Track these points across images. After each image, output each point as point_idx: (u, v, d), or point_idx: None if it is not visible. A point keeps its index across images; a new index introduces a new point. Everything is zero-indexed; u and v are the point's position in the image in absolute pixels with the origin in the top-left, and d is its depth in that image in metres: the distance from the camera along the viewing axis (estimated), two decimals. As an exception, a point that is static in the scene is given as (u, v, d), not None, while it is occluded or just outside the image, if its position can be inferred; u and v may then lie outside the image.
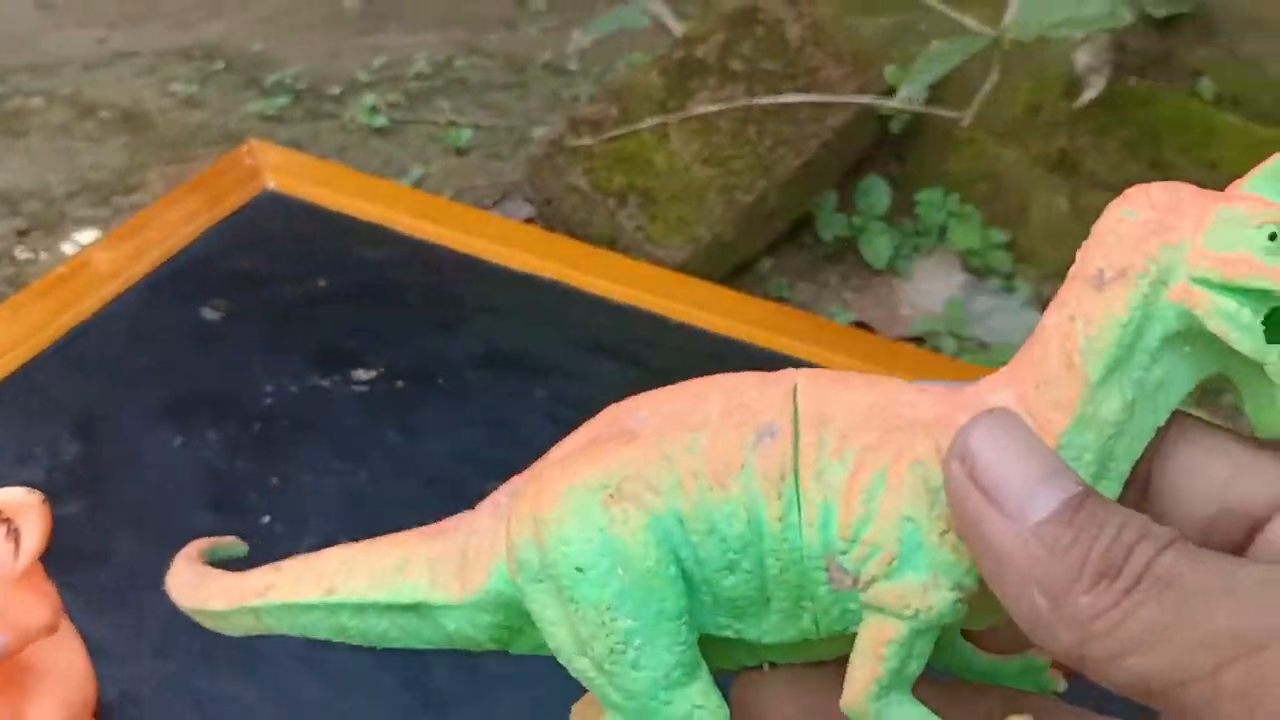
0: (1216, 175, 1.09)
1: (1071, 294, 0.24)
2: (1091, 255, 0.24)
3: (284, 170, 0.97)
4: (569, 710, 0.31)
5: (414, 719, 0.57)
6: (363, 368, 0.77)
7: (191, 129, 1.43)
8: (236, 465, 0.69)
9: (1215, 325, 0.23)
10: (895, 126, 1.15)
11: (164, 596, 0.64)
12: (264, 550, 0.67)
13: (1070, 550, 0.21)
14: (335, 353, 0.78)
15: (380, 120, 1.44)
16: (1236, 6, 1.05)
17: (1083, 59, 0.94)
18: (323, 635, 0.31)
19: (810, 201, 1.19)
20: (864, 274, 1.21)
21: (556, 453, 0.28)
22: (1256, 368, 0.23)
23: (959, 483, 0.23)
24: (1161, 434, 0.25)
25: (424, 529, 0.31)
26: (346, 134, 1.43)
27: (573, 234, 1.08)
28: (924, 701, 0.26)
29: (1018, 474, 0.22)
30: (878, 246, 1.17)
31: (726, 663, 0.28)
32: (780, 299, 1.16)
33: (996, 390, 0.25)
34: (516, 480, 0.29)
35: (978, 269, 1.20)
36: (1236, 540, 0.25)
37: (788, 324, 0.88)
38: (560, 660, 0.27)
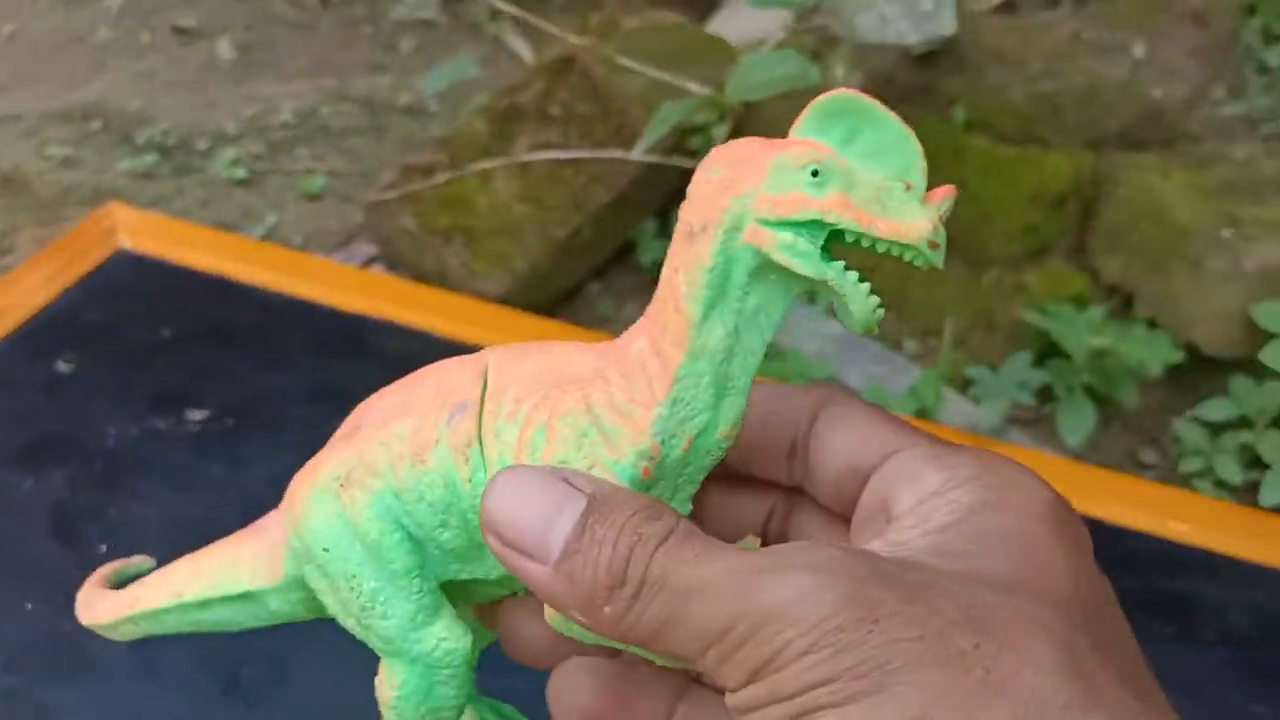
0: (966, 192, 1.21)
1: (676, 248, 0.27)
2: (685, 214, 0.27)
3: (138, 230, 1.03)
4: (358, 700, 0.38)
5: (228, 713, 0.65)
6: (196, 408, 0.83)
7: (65, 190, 1.48)
8: (79, 501, 0.76)
9: (779, 257, 0.26)
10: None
11: (9, 618, 0.74)
12: (102, 574, 0.75)
13: (584, 574, 0.25)
14: (172, 396, 0.84)
15: (240, 172, 1.50)
16: (982, 41, 1.17)
17: (844, 97, 1.04)
18: (186, 629, 0.36)
19: (632, 229, 1.28)
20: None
21: (322, 450, 0.33)
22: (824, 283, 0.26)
23: (495, 549, 0.26)
24: (811, 412, 0.29)
25: (249, 527, 0.36)
26: (209, 187, 1.49)
27: (409, 272, 1.16)
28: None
29: (530, 522, 0.25)
30: (693, 267, 1.26)
31: (482, 598, 0.32)
32: (607, 319, 1.25)
33: (635, 339, 0.28)
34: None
35: (787, 282, 1.29)
36: (856, 493, 0.29)
37: (591, 342, 0.97)
38: (339, 621, 0.31)
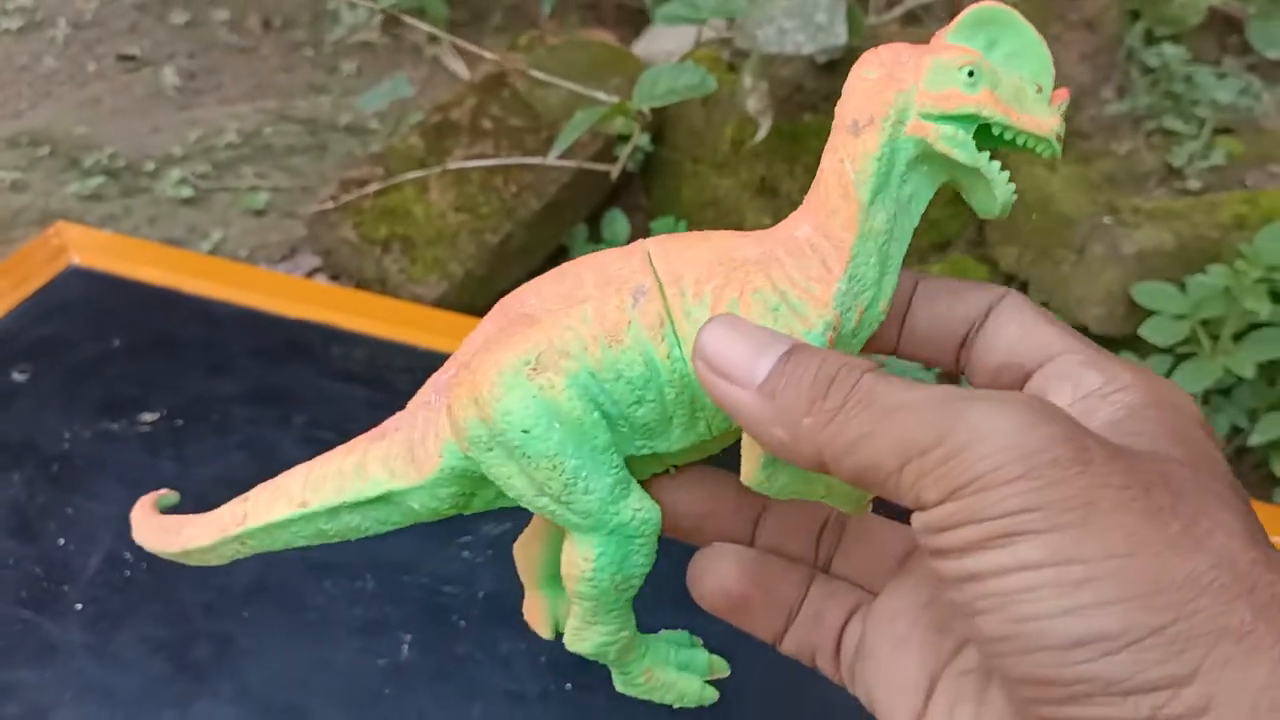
0: (872, 191, 1.25)
1: (838, 141, 0.30)
2: (846, 109, 0.30)
3: (87, 247, 1.05)
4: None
5: (176, 688, 0.68)
6: (148, 411, 0.86)
7: (14, 212, 1.49)
8: (36, 499, 0.78)
9: (941, 147, 0.29)
10: (634, 168, 1.29)
11: None
12: (60, 567, 0.79)
13: (786, 392, 0.26)
14: (124, 401, 0.87)
15: (186, 191, 1.52)
16: (884, 51, 1.21)
17: (752, 105, 1.10)
18: (301, 543, 0.34)
19: (564, 234, 1.32)
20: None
21: (468, 347, 0.32)
22: (974, 171, 0.29)
23: (703, 374, 0.28)
24: (986, 307, 0.31)
25: (365, 435, 0.34)
26: (156, 206, 1.51)
27: (351, 281, 1.19)
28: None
29: (739, 355, 0.27)
30: (622, 269, 1.30)
31: (642, 474, 0.32)
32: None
33: (799, 224, 0.30)
34: (438, 378, 0.33)
35: (711, 280, 1.34)
36: (1016, 387, 0.30)
37: None
38: (522, 504, 0.31)
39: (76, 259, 1.03)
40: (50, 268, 1.02)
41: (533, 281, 0.32)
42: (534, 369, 0.29)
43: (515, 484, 0.30)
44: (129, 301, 0.99)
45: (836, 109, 0.31)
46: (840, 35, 1.01)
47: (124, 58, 1.89)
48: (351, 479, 0.33)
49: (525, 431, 0.29)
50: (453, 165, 1.19)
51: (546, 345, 0.29)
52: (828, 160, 0.30)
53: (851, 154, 0.29)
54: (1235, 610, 0.23)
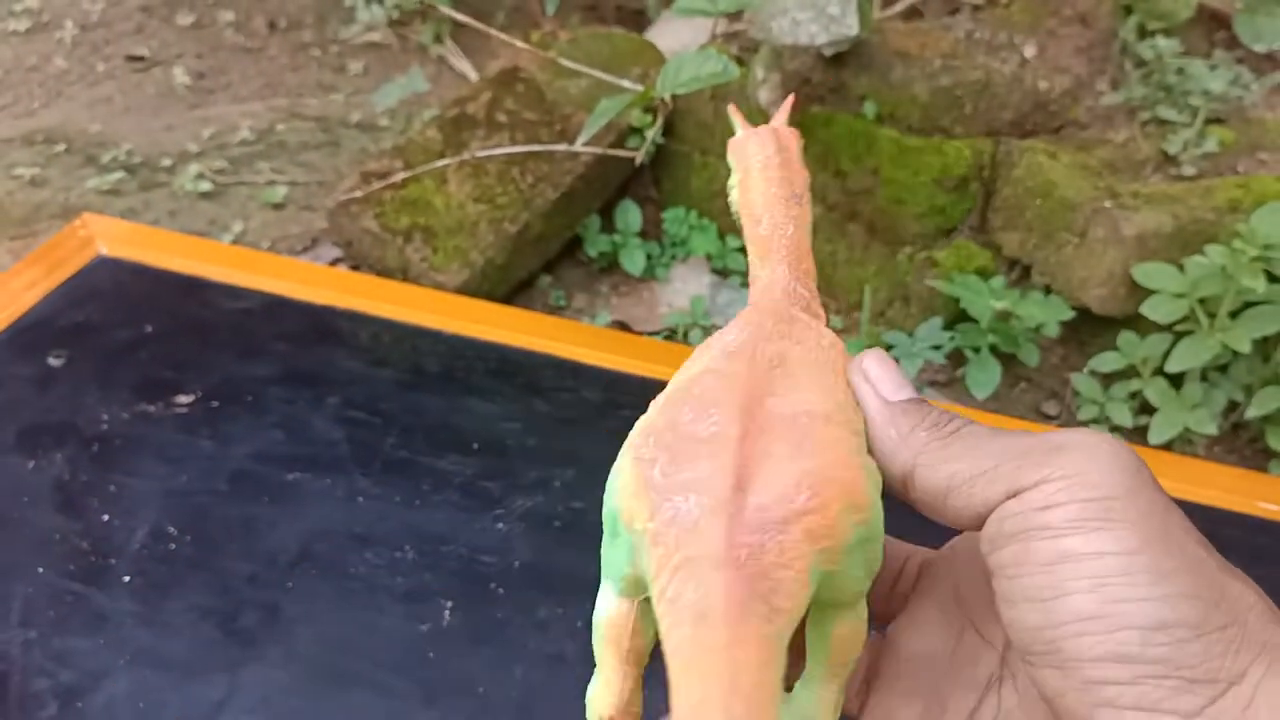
0: (877, 178, 1.28)
1: (791, 210, 0.37)
2: (788, 183, 0.37)
3: (114, 238, 1.06)
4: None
5: (225, 654, 0.69)
6: (183, 394, 0.87)
7: (35, 206, 1.49)
8: (80, 478, 0.79)
9: None
10: (645, 159, 1.31)
11: (24, 581, 0.77)
12: (106, 542, 0.80)
13: (911, 413, 0.32)
14: (160, 384, 0.88)
15: (205, 186, 1.53)
16: (888, 43, 1.24)
17: (764, 96, 1.11)
18: None
19: (578, 225, 1.33)
20: (629, 282, 1.36)
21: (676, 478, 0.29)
22: None
23: (858, 382, 0.33)
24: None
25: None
26: (176, 200, 1.51)
27: (372, 270, 1.20)
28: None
29: (888, 379, 0.33)
30: (635, 258, 1.32)
31: None
32: (559, 308, 1.30)
33: (775, 289, 0.36)
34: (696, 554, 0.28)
35: (721, 270, 1.36)
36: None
37: (548, 329, 1.00)
38: (848, 594, 0.31)
39: (104, 249, 1.04)
40: (79, 258, 1.03)
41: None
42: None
43: (858, 573, 0.30)
44: (158, 289, 1.00)
45: (775, 183, 0.37)
46: (852, 26, 1.02)
47: (132, 58, 1.90)
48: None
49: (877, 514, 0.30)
50: (480, 153, 1.20)
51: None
52: (783, 226, 0.37)
53: (803, 220, 0.37)
54: (1274, 631, 0.27)
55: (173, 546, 0.74)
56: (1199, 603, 0.26)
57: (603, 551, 0.30)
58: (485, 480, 0.81)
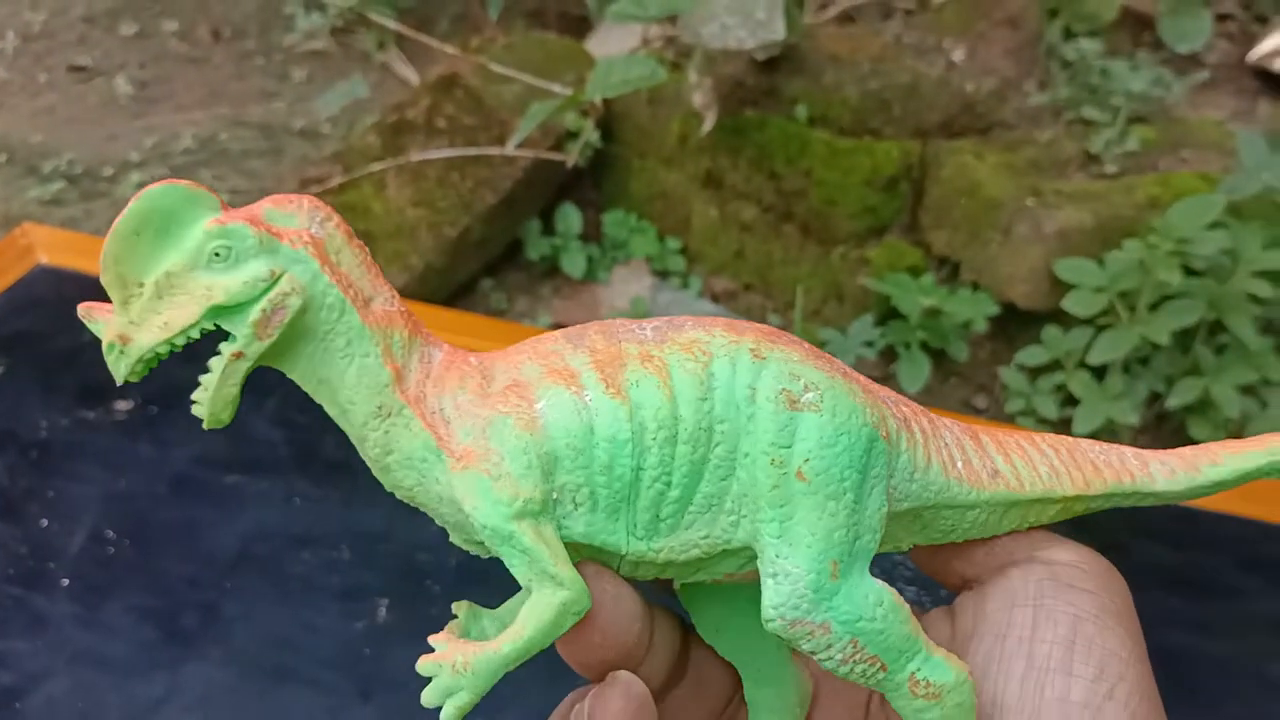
0: (810, 179, 1.31)
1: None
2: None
3: (54, 247, 1.06)
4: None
5: (165, 654, 0.70)
6: (122, 400, 0.88)
7: (-25, 217, 1.49)
8: (19, 484, 0.79)
9: None
10: (581, 162, 1.33)
11: None
12: (45, 546, 0.80)
13: None
14: (99, 390, 0.89)
15: (147, 195, 1.53)
16: (819, 47, 1.27)
17: (698, 99, 1.14)
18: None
19: (519, 228, 1.35)
20: (571, 284, 1.38)
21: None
22: None
23: None
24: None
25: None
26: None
27: (314, 275, 1.20)
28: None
29: None
30: (575, 261, 1.34)
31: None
32: (501, 311, 1.32)
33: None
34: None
35: (660, 272, 1.38)
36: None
37: (488, 331, 1.02)
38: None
39: (44, 258, 1.04)
40: (19, 267, 1.03)
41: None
42: None
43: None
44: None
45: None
46: (779, 31, 1.05)
47: (75, 68, 1.89)
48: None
49: None
50: (416, 157, 1.21)
51: None
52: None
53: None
54: None
55: (111, 550, 0.75)
56: None
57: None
58: (424, 480, 0.83)
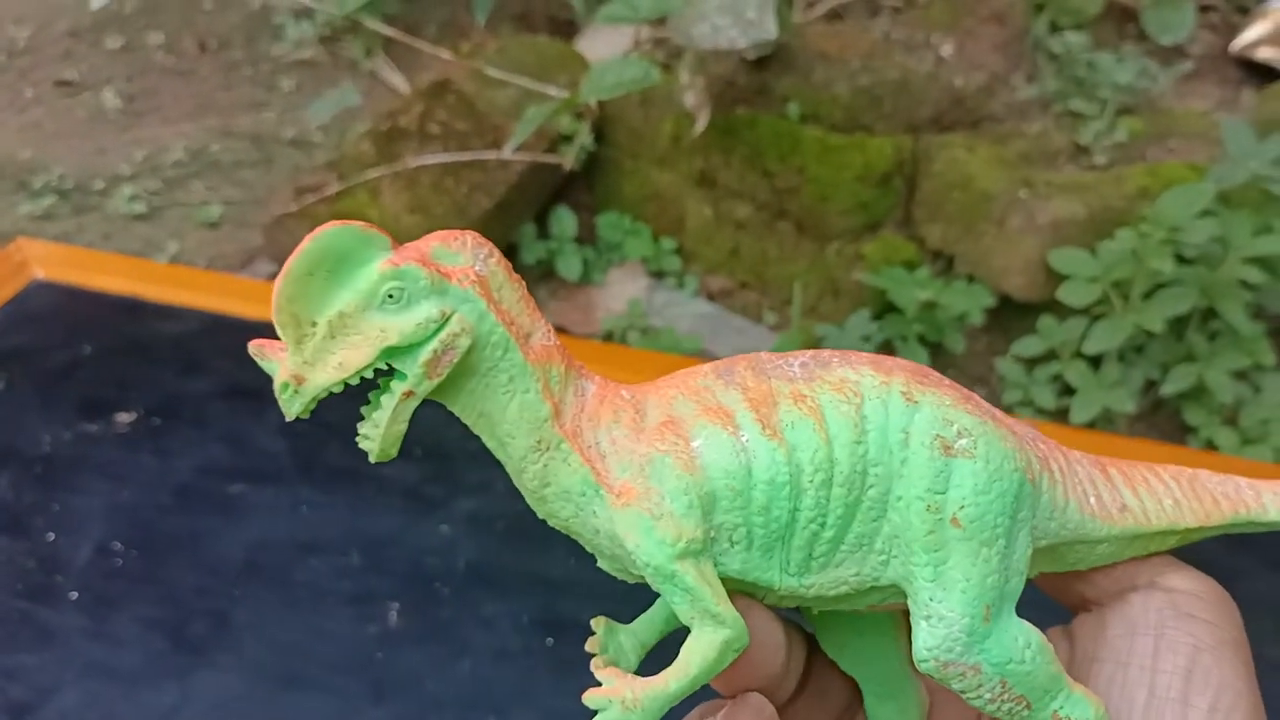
0: (803, 176, 1.31)
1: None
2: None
3: (49, 261, 1.06)
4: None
5: (175, 663, 0.70)
6: (124, 412, 0.88)
7: (-33, 234, 1.49)
8: (24, 499, 0.79)
9: None
10: (575, 165, 1.33)
11: None
12: (52, 560, 0.80)
13: None
14: (100, 403, 0.88)
15: (139, 207, 1.53)
16: (808, 45, 1.27)
17: (690, 99, 1.14)
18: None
19: (514, 232, 1.35)
20: (567, 287, 1.38)
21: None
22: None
23: None
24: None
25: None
26: (110, 223, 1.51)
27: (310, 284, 1.20)
28: None
29: None
30: (571, 264, 1.34)
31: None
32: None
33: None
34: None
35: (656, 272, 1.39)
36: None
37: None
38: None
39: (40, 273, 1.04)
40: (14, 282, 1.03)
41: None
42: None
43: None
44: (94, 311, 1.00)
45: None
46: (770, 30, 1.05)
47: (61, 83, 1.88)
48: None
49: None
50: (411, 163, 1.21)
51: None
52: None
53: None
54: None
55: (119, 562, 0.75)
56: None
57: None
58: (429, 485, 0.83)
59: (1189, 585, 0.30)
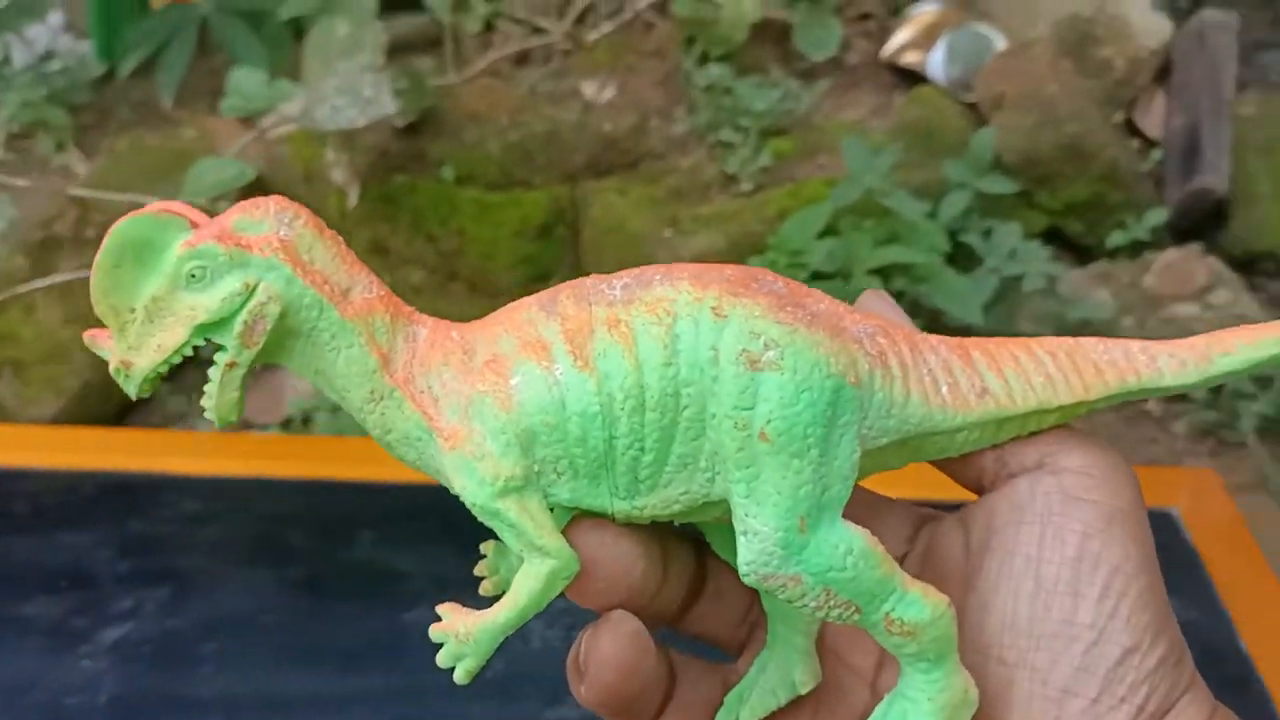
0: (464, 236, 1.36)
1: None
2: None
3: None
4: None
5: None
6: None
7: None
8: None
9: None
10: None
11: None
12: None
13: None
14: None
15: None
16: (459, 106, 1.32)
17: (338, 176, 1.17)
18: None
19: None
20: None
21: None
22: None
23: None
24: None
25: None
26: None
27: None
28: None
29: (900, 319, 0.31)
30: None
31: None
32: (181, 414, 1.30)
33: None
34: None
35: (346, 341, 1.39)
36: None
37: (144, 445, 0.99)
38: None
39: None
40: None
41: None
42: None
43: None
44: None
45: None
46: (388, 106, 1.09)
47: None
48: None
49: None
50: (59, 277, 1.18)
51: None
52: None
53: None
54: (1191, 664, 0.29)
55: None
56: (1165, 636, 0.28)
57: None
58: (73, 618, 0.82)
59: (1078, 463, 0.29)
